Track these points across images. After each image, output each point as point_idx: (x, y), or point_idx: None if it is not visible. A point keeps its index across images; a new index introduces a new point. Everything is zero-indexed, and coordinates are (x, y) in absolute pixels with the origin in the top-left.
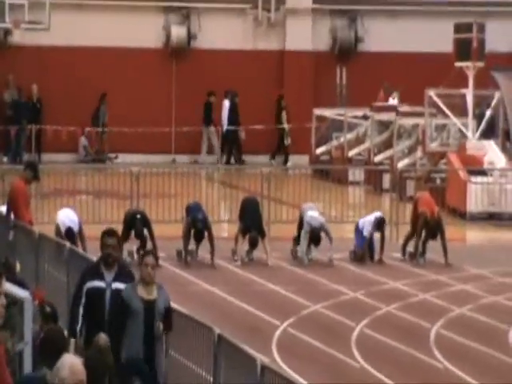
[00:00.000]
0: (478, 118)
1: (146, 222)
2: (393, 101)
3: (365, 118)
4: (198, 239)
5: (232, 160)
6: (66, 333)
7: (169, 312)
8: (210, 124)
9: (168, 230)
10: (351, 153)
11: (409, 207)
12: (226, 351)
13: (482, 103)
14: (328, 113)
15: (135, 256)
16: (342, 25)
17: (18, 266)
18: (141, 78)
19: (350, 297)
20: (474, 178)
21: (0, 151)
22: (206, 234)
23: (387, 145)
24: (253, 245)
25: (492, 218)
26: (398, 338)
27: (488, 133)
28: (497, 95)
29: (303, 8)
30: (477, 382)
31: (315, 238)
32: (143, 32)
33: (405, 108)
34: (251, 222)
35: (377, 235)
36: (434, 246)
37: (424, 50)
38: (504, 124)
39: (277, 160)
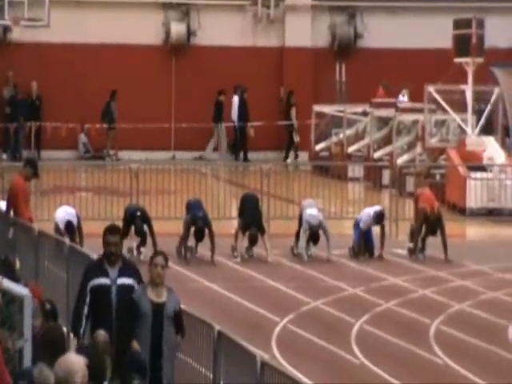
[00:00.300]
0: (477, 113)
1: (145, 219)
2: (403, 98)
3: (364, 114)
4: (199, 238)
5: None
6: (65, 330)
7: (179, 316)
8: (221, 122)
9: (168, 226)
10: (351, 149)
11: (408, 203)
12: (225, 348)
13: (481, 99)
14: (327, 109)
15: (135, 252)
16: (342, 21)
17: (17, 264)
18: (140, 74)
19: (350, 293)
20: (473, 174)
21: None
22: (206, 231)
23: (387, 141)
24: (252, 242)
25: (491, 214)
26: (398, 334)
27: (487, 129)
28: (496, 91)
29: (302, 4)
30: (476, 378)
31: (314, 236)
32: (143, 29)
33: (405, 104)
34: (251, 218)
35: (376, 230)
36: (433, 242)
37: (423, 46)
38: (503, 120)
39: (280, 156)
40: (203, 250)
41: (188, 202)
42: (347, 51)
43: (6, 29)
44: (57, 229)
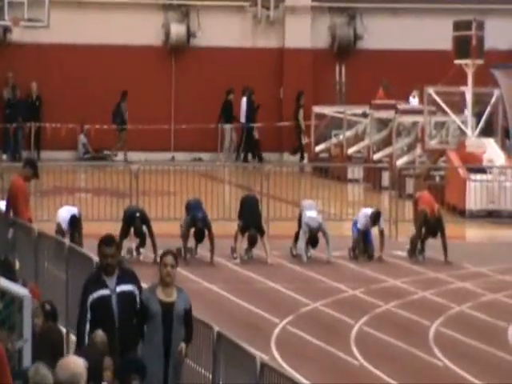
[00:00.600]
0: (477, 115)
1: (145, 220)
2: (413, 100)
3: (364, 115)
4: (199, 239)
5: (249, 157)
6: (64, 331)
7: (189, 315)
8: (230, 122)
9: (167, 227)
10: (350, 150)
11: (408, 205)
12: (225, 349)
13: (481, 101)
14: (327, 110)
15: (134, 253)
16: (341, 22)
17: (17, 264)
18: (140, 75)
19: (350, 294)
20: (473, 176)
21: None
22: (206, 232)
23: (386, 142)
24: (252, 243)
25: (491, 216)
26: (398, 336)
27: (487, 130)
28: (496, 93)
29: (302, 6)
30: (476, 380)
31: (313, 239)
32: (143, 30)
33: (404, 106)
34: (250, 220)
35: (375, 232)
36: (433, 244)
37: (423, 47)
38: (503, 121)
39: (280, 157)
40: (203, 251)
41: (188, 202)
42: (347, 52)
43: (6, 29)
44: (58, 230)
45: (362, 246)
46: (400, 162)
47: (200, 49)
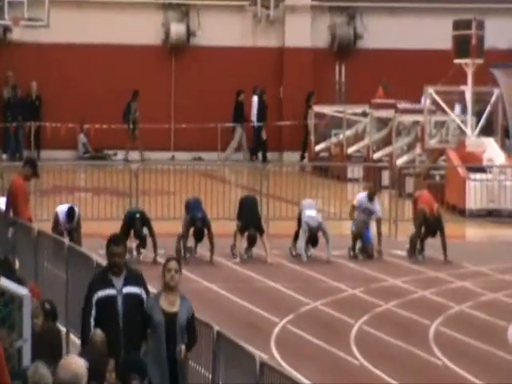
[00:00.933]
0: (477, 115)
1: (145, 221)
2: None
3: (364, 114)
4: (198, 238)
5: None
6: (64, 331)
7: (191, 324)
8: (241, 122)
9: (167, 227)
10: (350, 150)
11: (408, 204)
12: (224, 348)
13: (480, 100)
14: (327, 110)
15: (134, 253)
16: (341, 22)
17: (17, 264)
18: (140, 75)
19: (349, 294)
20: (473, 175)
21: None
22: (205, 231)
23: (386, 142)
24: (251, 243)
25: (491, 215)
26: (398, 335)
27: (487, 130)
28: (496, 92)
29: (302, 5)
30: (476, 379)
31: (313, 238)
32: (142, 29)
33: (404, 105)
34: (250, 219)
35: (374, 232)
36: (433, 243)
37: (423, 46)
38: (503, 121)
39: (279, 156)
40: (202, 250)
41: (187, 202)
42: (347, 52)
43: (6, 29)
44: (55, 221)
45: (361, 245)
46: (400, 162)
47: (200, 48)
